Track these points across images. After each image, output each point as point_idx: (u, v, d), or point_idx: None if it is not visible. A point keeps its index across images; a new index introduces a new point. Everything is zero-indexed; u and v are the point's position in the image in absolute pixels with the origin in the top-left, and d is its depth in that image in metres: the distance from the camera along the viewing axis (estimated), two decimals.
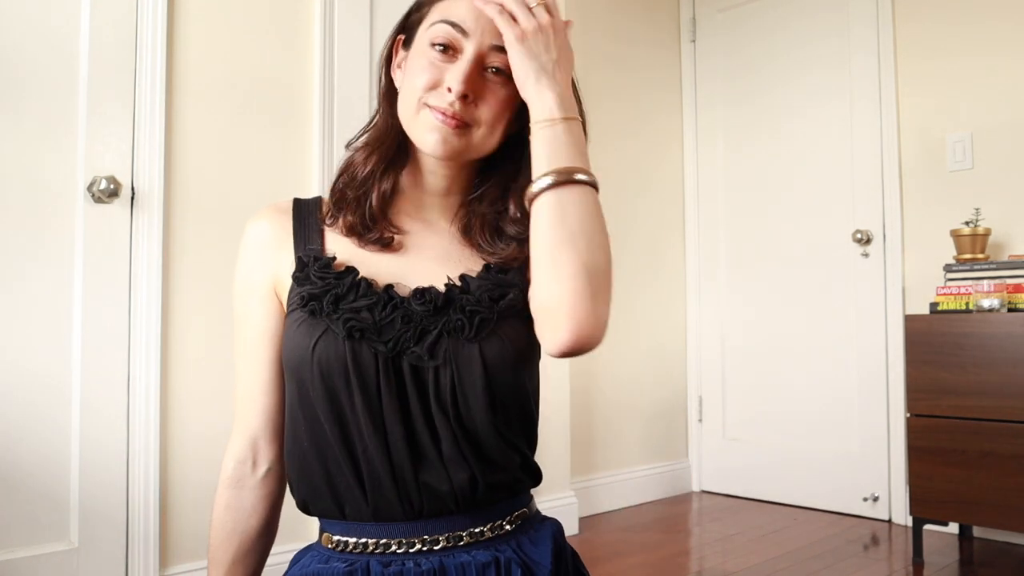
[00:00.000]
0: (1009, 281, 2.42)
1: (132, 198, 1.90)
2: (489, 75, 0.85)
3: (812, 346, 3.16)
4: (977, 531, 2.72)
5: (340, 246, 0.89)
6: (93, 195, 1.83)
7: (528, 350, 0.85)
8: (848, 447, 3.04)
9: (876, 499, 2.94)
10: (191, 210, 2.00)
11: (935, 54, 2.89)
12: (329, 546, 0.86)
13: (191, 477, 1.96)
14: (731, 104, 3.47)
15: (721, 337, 3.45)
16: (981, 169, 2.77)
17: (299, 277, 0.86)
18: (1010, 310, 2.38)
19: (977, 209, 2.66)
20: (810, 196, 3.20)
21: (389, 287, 0.85)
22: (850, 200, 3.07)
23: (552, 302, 0.77)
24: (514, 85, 0.84)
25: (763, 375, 3.31)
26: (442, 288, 0.85)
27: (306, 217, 0.92)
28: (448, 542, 0.83)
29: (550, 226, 0.78)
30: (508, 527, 0.86)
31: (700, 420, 3.49)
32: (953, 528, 2.73)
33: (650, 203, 3.42)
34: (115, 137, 1.88)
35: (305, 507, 0.88)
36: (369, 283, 0.85)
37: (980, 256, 2.57)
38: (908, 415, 2.48)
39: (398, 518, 0.83)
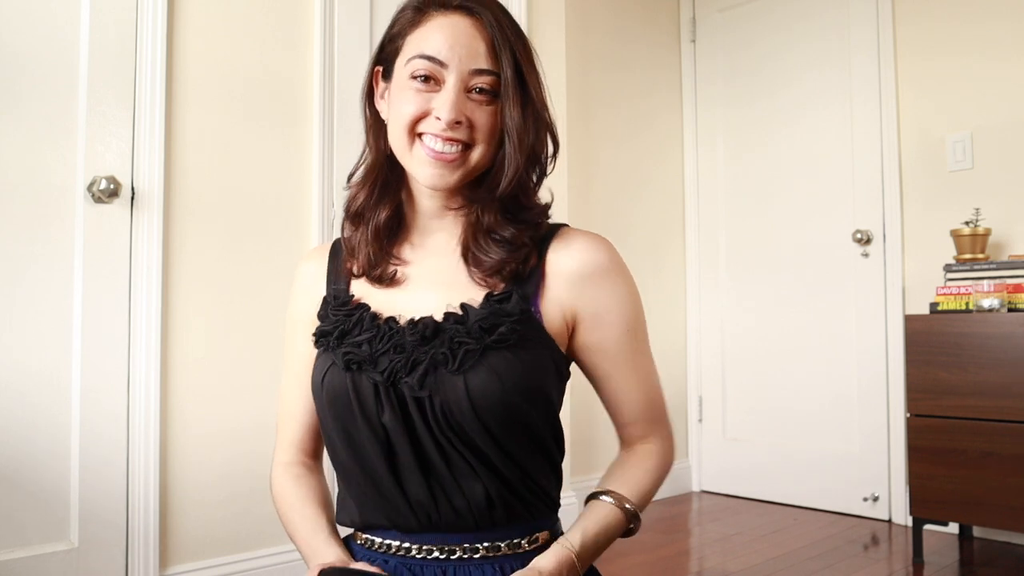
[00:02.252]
0: (1009, 281, 2.41)
1: (132, 198, 1.90)
2: (474, 96, 0.87)
3: (812, 346, 3.16)
4: (977, 531, 2.72)
5: (359, 285, 0.95)
6: (93, 195, 1.83)
7: (523, 381, 0.85)
8: (848, 447, 3.04)
9: (876, 499, 2.94)
10: (191, 210, 2.00)
11: (935, 54, 2.89)
12: (359, 542, 0.92)
13: (191, 477, 1.96)
14: (731, 104, 3.46)
15: (721, 337, 3.45)
16: (981, 169, 2.77)
17: (321, 315, 0.95)
18: (1010, 310, 2.38)
19: (977, 209, 2.66)
20: (810, 196, 3.19)
21: (391, 319, 0.89)
22: (850, 200, 3.07)
23: None
24: (499, 101, 0.87)
25: (763, 375, 3.31)
26: (439, 317, 0.88)
27: (341, 257, 0.98)
28: (465, 553, 0.86)
29: None
30: (527, 546, 0.89)
31: (700, 420, 3.49)
32: (953, 528, 2.73)
33: (650, 203, 3.42)
34: (115, 137, 1.88)
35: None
36: (374, 316, 0.90)
37: (980, 256, 2.57)
38: (908, 415, 2.48)
39: (415, 529, 0.87)
